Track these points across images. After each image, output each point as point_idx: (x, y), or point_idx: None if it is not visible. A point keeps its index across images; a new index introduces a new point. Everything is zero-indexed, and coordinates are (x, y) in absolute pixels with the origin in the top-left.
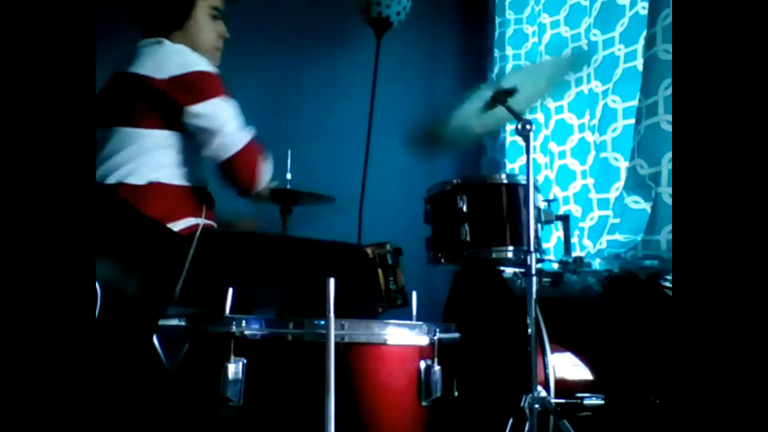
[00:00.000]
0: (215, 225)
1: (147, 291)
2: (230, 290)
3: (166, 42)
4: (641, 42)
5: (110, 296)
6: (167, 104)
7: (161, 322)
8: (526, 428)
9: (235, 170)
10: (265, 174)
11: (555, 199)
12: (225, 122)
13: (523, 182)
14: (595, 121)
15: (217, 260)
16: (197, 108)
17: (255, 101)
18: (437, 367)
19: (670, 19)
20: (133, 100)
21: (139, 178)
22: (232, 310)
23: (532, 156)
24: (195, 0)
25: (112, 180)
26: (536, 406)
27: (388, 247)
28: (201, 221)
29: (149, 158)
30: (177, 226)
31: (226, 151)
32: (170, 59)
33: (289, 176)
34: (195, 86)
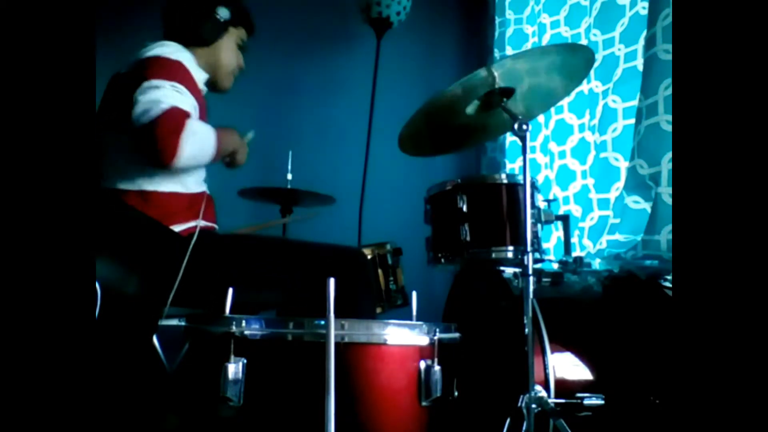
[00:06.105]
0: (216, 227)
1: (147, 291)
2: (230, 290)
3: (161, 41)
4: (641, 42)
5: (110, 296)
6: (129, 97)
7: (161, 322)
8: (524, 428)
9: (145, 141)
10: (183, 149)
11: (555, 199)
12: (142, 95)
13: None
14: (595, 121)
15: (217, 262)
16: (135, 93)
17: (255, 101)
18: (437, 367)
19: (670, 19)
20: (118, 102)
21: (132, 184)
22: (232, 313)
23: (529, 156)
24: (228, 27)
25: (108, 185)
26: (533, 406)
27: (388, 247)
28: (199, 223)
29: (140, 164)
30: (176, 229)
31: (138, 122)
32: (140, 52)
33: (289, 176)
34: (141, 72)
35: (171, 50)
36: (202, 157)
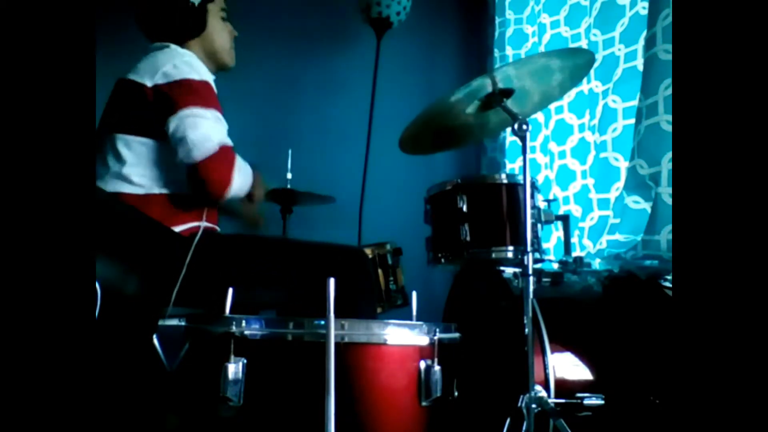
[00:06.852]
0: (218, 228)
1: (148, 291)
2: (230, 290)
3: (171, 47)
4: (641, 42)
5: (110, 296)
6: (156, 112)
7: (161, 322)
8: (524, 428)
9: (201, 177)
10: (233, 184)
11: (555, 199)
12: (190, 130)
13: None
14: (595, 121)
15: (217, 261)
16: (172, 118)
17: (255, 101)
18: (437, 367)
19: (670, 19)
20: (129, 107)
21: (137, 188)
22: (233, 313)
23: (529, 156)
24: (206, 6)
25: (110, 188)
26: (533, 406)
27: (388, 247)
28: (202, 224)
29: (147, 167)
30: (178, 229)
31: (191, 158)
32: (164, 66)
33: (289, 176)
34: (174, 96)
35: (193, 69)
36: (242, 191)
